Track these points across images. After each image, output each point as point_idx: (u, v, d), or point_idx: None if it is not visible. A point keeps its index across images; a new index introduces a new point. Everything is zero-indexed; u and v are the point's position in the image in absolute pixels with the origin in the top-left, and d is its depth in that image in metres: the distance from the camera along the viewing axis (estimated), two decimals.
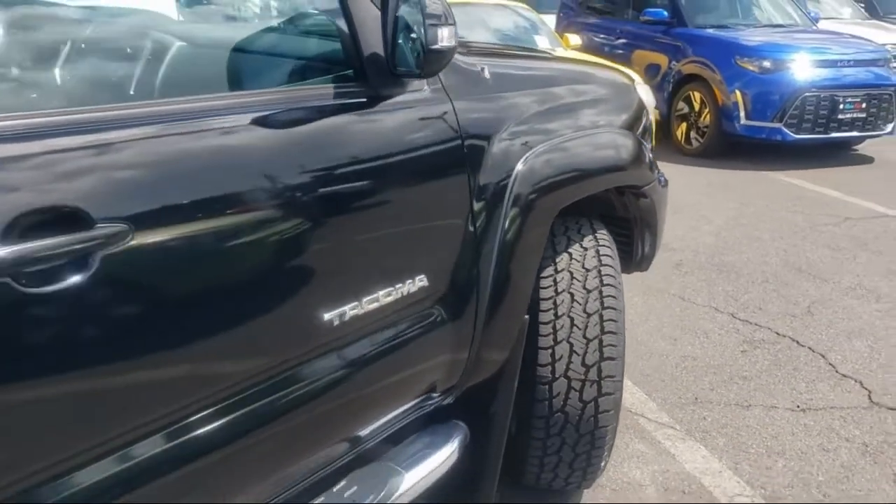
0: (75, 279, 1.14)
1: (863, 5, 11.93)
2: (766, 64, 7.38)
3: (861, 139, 7.94)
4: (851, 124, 7.51)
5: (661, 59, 8.27)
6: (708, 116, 7.70)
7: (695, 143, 7.78)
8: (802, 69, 7.35)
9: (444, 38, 1.56)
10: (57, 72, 1.56)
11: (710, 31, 8.12)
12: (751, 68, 7.42)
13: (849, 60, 7.57)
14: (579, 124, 2.27)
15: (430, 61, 1.59)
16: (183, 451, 1.33)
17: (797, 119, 7.32)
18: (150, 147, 1.27)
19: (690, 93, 7.87)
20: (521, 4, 8.19)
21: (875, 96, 7.51)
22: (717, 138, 7.64)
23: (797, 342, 3.74)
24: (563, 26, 9.82)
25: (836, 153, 8.02)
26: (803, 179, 6.97)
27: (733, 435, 2.96)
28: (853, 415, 3.12)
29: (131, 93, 1.66)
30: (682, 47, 8.09)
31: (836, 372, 3.47)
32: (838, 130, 7.49)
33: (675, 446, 2.88)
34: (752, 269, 4.69)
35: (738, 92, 7.42)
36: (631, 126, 2.53)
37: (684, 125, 7.97)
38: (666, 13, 8.33)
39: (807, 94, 7.29)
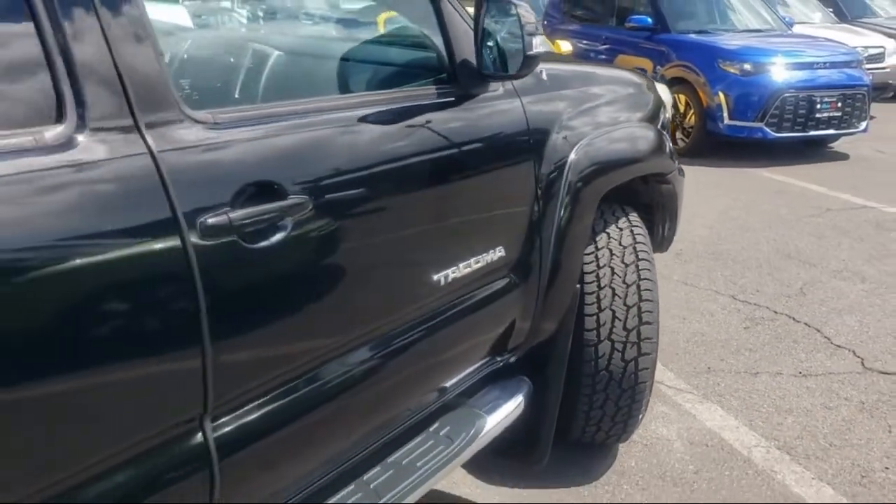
0: (278, 237, 1.44)
1: (831, 10, 12.42)
2: (747, 67, 7.79)
3: (837, 137, 8.36)
4: (828, 123, 7.93)
5: (646, 64, 8.66)
6: (693, 117, 8.09)
7: (681, 143, 8.16)
8: (781, 71, 7.77)
9: (537, 45, 1.89)
10: (265, 73, 1.87)
11: (693, 36, 8.52)
12: (732, 71, 7.83)
13: (824, 62, 8.01)
14: (617, 119, 2.61)
15: (528, 64, 1.92)
16: (349, 378, 1.66)
17: (777, 118, 7.74)
18: (320, 134, 1.58)
19: (675, 95, 8.25)
20: None
21: (849, 96, 7.94)
22: (702, 138, 8.03)
23: (794, 318, 4.11)
24: (548, 34, 10.18)
25: (814, 150, 8.45)
26: (785, 175, 7.38)
27: (745, 397, 3.31)
28: (849, 379, 3.48)
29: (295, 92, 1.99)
30: (665, 52, 8.48)
31: (832, 343, 3.83)
32: (816, 129, 7.91)
33: (694, 408, 3.22)
34: (746, 256, 5.06)
35: (721, 94, 7.82)
36: (654, 118, 2.87)
37: (671, 126, 8.35)
38: (650, 20, 8.73)
39: (786, 94, 7.70)
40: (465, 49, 1.99)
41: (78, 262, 1.16)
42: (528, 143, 2.19)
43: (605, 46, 9.44)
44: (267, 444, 1.52)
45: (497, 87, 2.12)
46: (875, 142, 8.86)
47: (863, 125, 8.16)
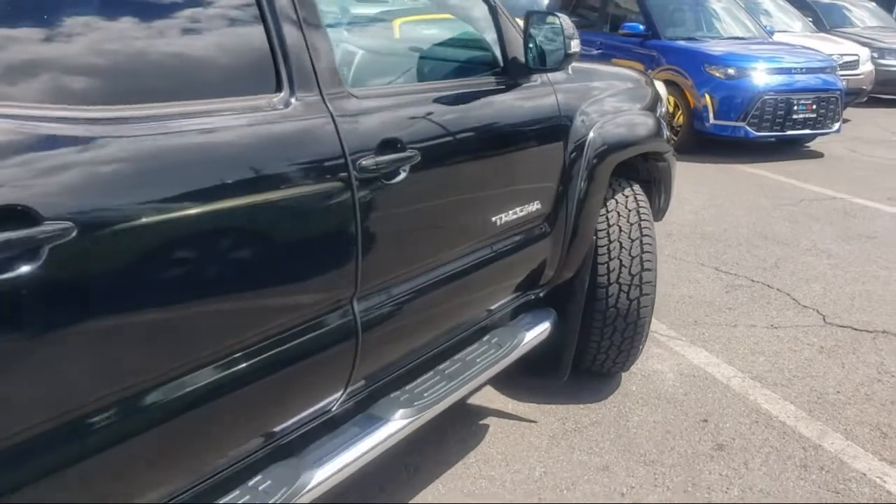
0: (401, 177, 2.08)
1: (811, 19, 13.15)
2: (731, 71, 8.50)
3: (812, 136, 9.08)
4: (804, 123, 8.65)
5: (638, 68, 9.33)
6: (681, 117, 8.79)
7: (670, 141, 8.83)
8: (761, 75, 8.48)
9: (574, 45, 2.55)
10: (386, 63, 2.52)
11: (681, 42, 9.22)
12: (717, 75, 8.52)
13: (801, 68, 8.73)
14: (624, 106, 3.27)
15: (567, 60, 2.58)
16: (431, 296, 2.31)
17: (758, 119, 8.44)
18: (424, 108, 2.24)
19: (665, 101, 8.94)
20: None
21: (824, 99, 8.66)
22: (689, 136, 8.73)
23: (768, 285, 4.79)
24: None
25: (791, 148, 9.17)
26: (765, 170, 8.08)
27: (725, 343, 3.98)
28: (812, 330, 4.16)
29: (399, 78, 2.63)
30: (656, 57, 9.17)
31: (799, 304, 4.51)
32: (793, 129, 8.63)
33: (683, 350, 3.89)
34: (728, 236, 5.74)
35: (707, 95, 8.52)
36: (653, 108, 3.53)
37: None
38: (641, 27, 9.42)
39: (765, 97, 8.41)
40: (515, 49, 2.64)
41: (293, 176, 1.80)
42: (558, 124, 2.85)
43: (599, 51, 10.11)
44: (388, 323, 2.17)
45: (537, 79, 2.77)
46: (848, 142, 9.59)
47: (836, 126, 8.87)
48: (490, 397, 3.39)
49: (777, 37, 10.45)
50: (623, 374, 3.59)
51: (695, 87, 8.60)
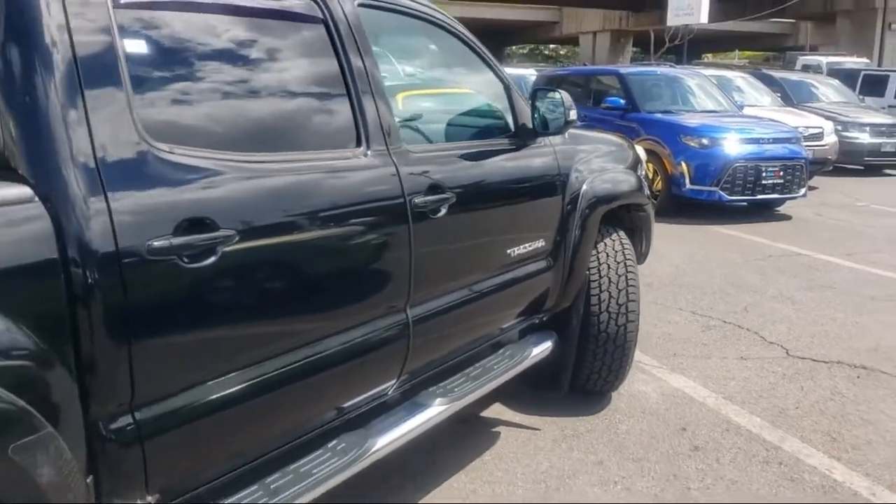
0: (442, 212, 2.71)
1: (779, 95, 14.09)
2: (705, 141, 9.28)
3: (781, 201, 9.84)
4: (773, 188, 9.41)
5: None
6: (660, 183, 9.53)
7: (649, 196, 9.58)
8: (733, 145, 9.27)
9: (572, 114, 3.22)
10: (429, 125, 3.15)
11: (659, 115, 10.03)
12: (693, 144, 9.31)
13: (769, 138, 9.54)
14: (610, 165, 3.93)
15: (567, 126, 3.24)
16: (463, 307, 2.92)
17: (730, 184, 9.20)
18: (458, 162, 2.88)
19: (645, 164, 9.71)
20: None
21: (790, 167, 9.44)
22: (667, 200, 9.45)
23: (738, 326, 5.41)
24: None
25: (761, 211, 9.91)
26: (737, 231, 8.79)
27: (701, 370, 4.58)
28: (777, 361, 4.77)
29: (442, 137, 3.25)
30: (636, 128, 9.95)
31: (765, 340, 5.13)
32: (763, 193, 9.38)
33: (664, 376, 4.48)
34: (703, 286, 6.39)
35: (683, 163, 9.28)
36: (635, 168, 4.20)
37: None
38: (622, 101, 10.25)
39: (737, 164, 9.18)
40: (524, 117, 3.31)
41: (370, 207, 2.42)
42: (558, 178, 3.50)
43: (583, 123, 10.89)
44: (431, 327, 2.76)
45: (541, 141, 3.43)
46: (815, 206, 10.36)
47: (802, 191, 9.64)
48: (499, 411, 3.96)
49: (747, 110, 11.31)
50: (612, 393, 4.17)
51: (672, 155, 9.36)
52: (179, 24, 2.06)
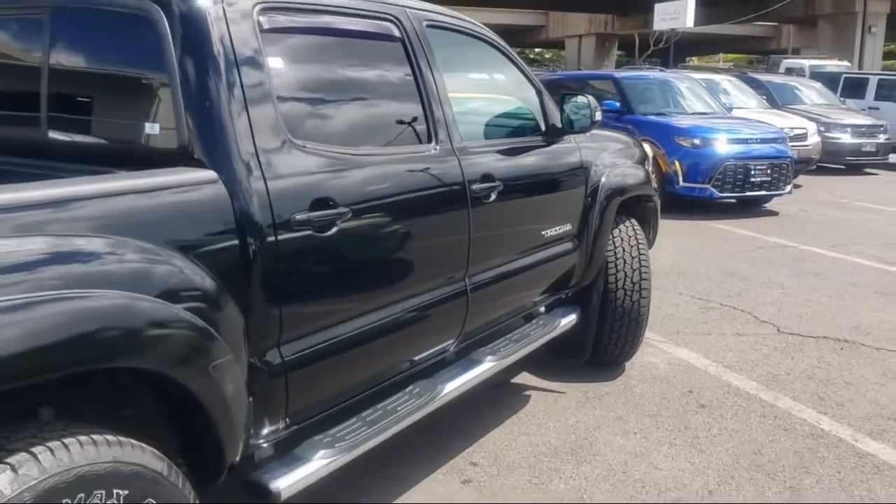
0: (493, 197, 3.23)
1: (765, 97, 14.68)
2: (697, 141, 9.85)
3: (769, 197, 10.43)
4: (760, 186, 9.99)
5: None
6: (654, 181, 10.07)
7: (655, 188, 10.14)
8: (723, 145, 9.84)
9: (597, 115, 3.75)
10: (478, 124, 3.65)
11: (653, 117, 10.59)
12: (685, 144, 9.87)
13: (756, 139, 10.13)
14: (622, 160, 4.46)
15: (592, 126, 3.77)
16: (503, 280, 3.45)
17: (721, 182, 9.77)
18: (503, 155, 3.40)
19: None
20: None
21: (777, 165, 10.03)
22: (662, 197, 9.86)
23: (734, 307, 5.96)
24: None
25: (750, 207, 10.50)
26: (728, 225, 9.37)
27: (702, 345, 5.12)
28: (769, 336, 5.32)
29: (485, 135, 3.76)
30: (631, 130, 10.43)
31: (759, 320, 5.68)
32: (751, 190, 9.96)
33: (670, 349, 5.02)
34: (700, 274, 6.94)
35: (676, 162, 9.84)
36: (642, 163, 4.74)
37: None
38: (618, 104, 10.82)
39: (727, 163, 9.76)
40: (553, 118, 3.83)
41: (440, 192, 2.94)
42: (582, 171, 4.03)
43: None
44: (484, 295, 3.28)
45: (568, 139, 3.96)
46: (800, 203, 10.96)
47: (788, 188, 10.23)
48: (527, 378, 4.48)
49: (735, 112, 11.89)
50: (625, 364, 4.70)
51: (666, 155, 9.92)
52: (305, 47, 2.59)
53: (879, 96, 16.83)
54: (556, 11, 46.37)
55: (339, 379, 2.63)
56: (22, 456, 1.67)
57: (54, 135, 2.49)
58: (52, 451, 1.72)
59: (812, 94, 16.04)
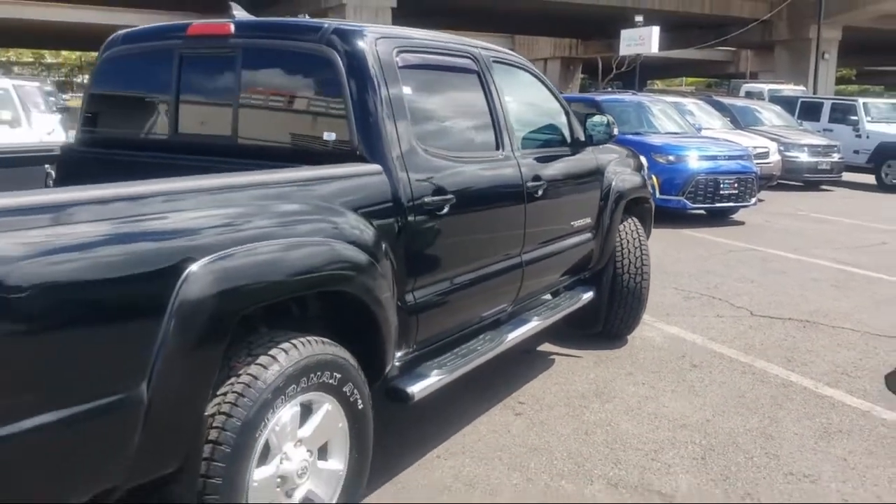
0: (540, 192, 4.20)
1: (729, 119, 15.88)
2: (671, 158, 10.94)
3: (735, 209, 11.54)
4: (729, 198, 11.10)
5: None
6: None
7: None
8: (695, 161, 10.94)
9: (615, 131, 4.75)
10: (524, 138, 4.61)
11: (630, 136, 11.62)
12: (661, 161, 10.95)
13: (724, 155, 11.25)
14: (626, 168, 5.46)
15: (610, 139, 4.77)
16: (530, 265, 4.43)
17: (693, 194, 10.86)
18: (540, 161, 4.37)
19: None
20: None
21: (743, 179, 11.15)
22: None
23: (712, 297, 6.99)
24: None
25: (718, 218, 11.60)
26: (700, 233, 10.44)
27: (689, 323, 6.12)
28: (744, 318, 6.35)
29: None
30: None
31: (734, 306, 6.71)
32: (721, 202, 11.07)
33: (662, 327, 6.02)
34: (680, 272, 7.97)
35: (653, 177, 10.88)
36: (639, 170, 5.75)
37: None
38: None
39: (698, 177, 10.85)
40: (577, 132, 4.82)
41: (506, 189, 3.90)
42: (598, 175, 5.02)
43: None
44: (532, 268, 4.23)
45: (588, 149, 4.94)
46: (763, 215, 12.10)
47: (753, 201, 11.36)
48: (550, 347, 5.44)
49: (704, 132, 13.03)
50: (628, 337, 5.68)
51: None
52: (423, 78, 3.54)
53: (833, 119, 18.15)
54: (523, 35, 47.73)
55: (445, 321, 3.57)
56: (274, 352, 2.57)
57: (243, 140, 3.42)
58: (285, 350, 2.62)
59: (772, 116, 17.29)
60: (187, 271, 2.22)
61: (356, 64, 3.18)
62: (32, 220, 1.95)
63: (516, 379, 4.81)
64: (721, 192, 11.01)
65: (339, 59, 3.17)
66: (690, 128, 12.62)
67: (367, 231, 2.94)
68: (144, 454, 2.19)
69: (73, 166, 3.83)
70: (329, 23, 3.28)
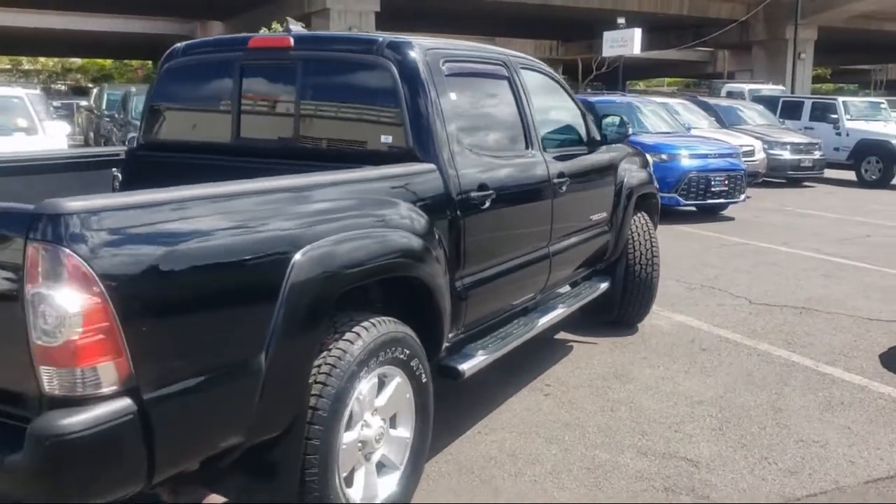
0: (565, 187, 4.55)
1: (714, 119, 16.31)
2: (664, 156, 11.33)
3: (726, 205, 11.96)
4: (719, 195, 11.51)
5: None
6: None
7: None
8: (687, 159, 11.35)
9: (629, 130, 5.10)
10: (550, 138, 4.95)
11: None
12: (654, 159, 11.27)
13: (715, 154, 11.66)
14: (634, 166, 5.82)
15: (624, 139, 5.13)
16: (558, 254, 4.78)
17: (685, 191, 11.26)
18: (566, 158, 4.72)
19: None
20: None
21: (732, 176, 11.57)
22: None
23: (712, 287, 7.38)
24: None
25: (710, 214, 12.02)
26: (693, 228, 10.84)
27: (694, 312, 6.49)
28: (744, 306, 6.73)
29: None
30: None
31: (734, 295, 7.09)
32: (711, 198, 11.48)
33: (669, 315, 6.39)
34: (679, 265, 8.35)
35: None
36: (646, 167, 6.12)
37: None
38: None
39: (690, 175, 11.25)
40: (594, 132, 5.17)
41: (534, 184, 4.24)
42: (612, 171, 5.38)
43: None
44: (558, 259, 4.58)
45: (602, 148, 5.30)
46: (751, 211, 12.53)
47: (742, 197, 11.78)
48: (567, 336, 5.79)
49: (693, 131, 13.45)
50: (639, 325, 6.04)
51: None
52: (463, 84, 3.87)
53: (813, 117, 18.63)
54: (503, 37, 48.15)
55: (487, 306, 3.90)
56: (353, 333, 2.89)
57: (304, 143, 3.75)
58: (366, 328, 2.95)
59: (754, 115, 17.76)
60: (294, 259, 2.55)
61: (410, 73, 3.51)
62: (181, 211, 2.29)
63: (540, 364, 5.15)
64: (712, 188, 11.41)
65: (394, 68, 3.51)
66: (680, 127, 13.03)
67: (427, 223, 3.27)
68: (262, 416, 2.51)
69: (137, 169, 4.13)
70: (383, 36, 3.61)
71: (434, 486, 3.55)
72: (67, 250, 1.99)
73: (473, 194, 3.61)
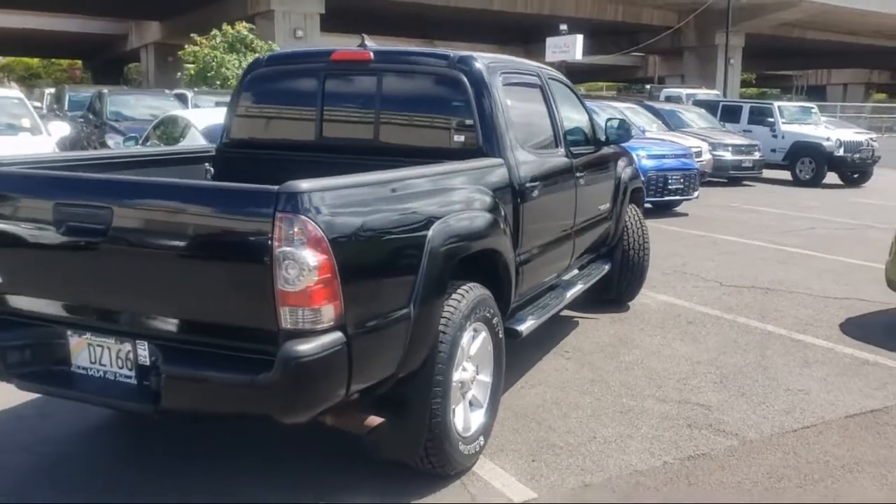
0: (581, 178, 5.31)
1: (660, 122, 17.34)
2: None
3: (680, 201, 12.94)
4: (675, 192, 12.46)
5: None
6: None
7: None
8: (645, 159, 12.22)
9: (633, 132, 5.88)
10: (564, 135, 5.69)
11: None
12: None
13: (671, 154, 12.61)
14: (625, 162, 6.62)
15: (627, 140, 5.92)
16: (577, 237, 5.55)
17: (645, 189, 12.15)
18: (580, 155, 5.49)
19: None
20: None
21: (686, 175, 12.53)
22: None
23: (685, 272, 8.25)
24: None
25: (666, 210, 12.97)
26: (653, 223, 11.56)
27: (674, 292, 7.33)
28: (716, 288, 7.61)
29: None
30: None
31: (705, 279, 7.97)
32: (669, 195, 12.42)
33: (654, 295, 7.21)
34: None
35: None
36: (632, 164, 6.92)
37: None
38: None
39: (649, 174, 12.13)
40: (599, 134, 5.95)
41: (561, 175, 4.99)
42: (613, 167, 6.16)
43: None
44: (579, 240, 5.33)
45: (606, 147, 6.07)
46: (702, 207, 13.54)
47: (696, 194, 12.76)
48: (572, 313, 6.55)
49: (647, 134, 14.41)
50: (630, 304, 6.85)
51: None
52: (514, 92, 4.59)
53: (751, 121, 19.87)
54: (444, 41, 48.90)
55: (534, 277, 4.63)
56: (459, 293, 3.59)
57: (383, 142, 4.42)
58: (468, 290, 3.65)
59: (696, 118, 18.89)
60: (432, 228, 3.25)
61: (478, 82, 4.22)
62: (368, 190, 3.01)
63: (554, 336, 5.89)
64: (669, 186, 12.35)
65: (465, 79, 4.21)
66: (637, 131, 13.96)
67: (501, 206, 3.99)
68: (408, 354, 3.20)
69: (226, 164, 4.74)
70: (454, 52, 4.31)
71: (501, 427, 4.25)
72: (306, 218, 2.66)
73: (528, 184, 4.33)
